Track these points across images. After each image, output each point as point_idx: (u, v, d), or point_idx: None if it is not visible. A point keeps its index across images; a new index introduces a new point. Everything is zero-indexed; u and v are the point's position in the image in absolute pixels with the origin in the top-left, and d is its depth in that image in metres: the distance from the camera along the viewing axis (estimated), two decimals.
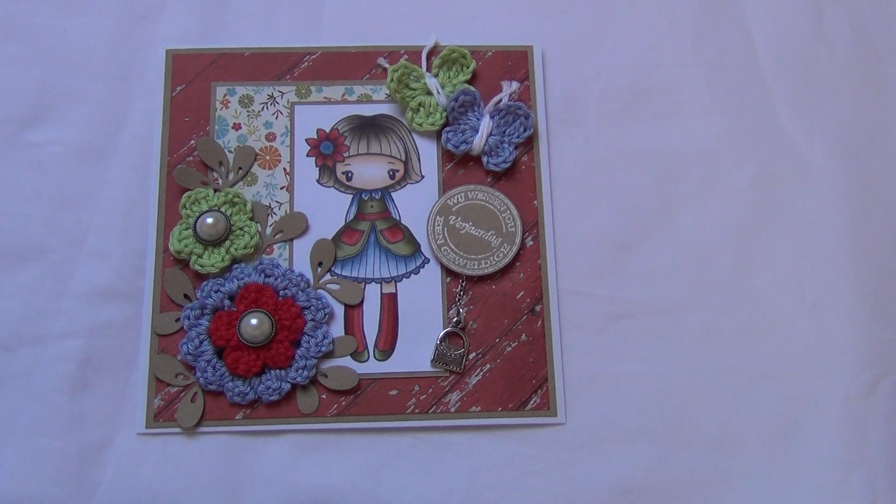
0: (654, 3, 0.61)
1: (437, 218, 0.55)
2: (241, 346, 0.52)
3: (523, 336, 0.54)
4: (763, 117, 0.58)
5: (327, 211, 0.55)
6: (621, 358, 0.54)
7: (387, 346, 0.53)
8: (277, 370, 0.52)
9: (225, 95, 0.57)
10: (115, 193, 0.55)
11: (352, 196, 0.56)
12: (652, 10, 0.61)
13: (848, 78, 0.59)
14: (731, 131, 0.58)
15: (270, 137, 0.56)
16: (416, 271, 0.55)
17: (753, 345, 0.54)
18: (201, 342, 0.52)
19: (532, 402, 0.52)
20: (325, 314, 0.53)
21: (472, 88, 0.56)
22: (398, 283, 0.54)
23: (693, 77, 0.59)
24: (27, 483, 0.50)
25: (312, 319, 0.53)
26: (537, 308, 0.54)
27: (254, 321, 0.51)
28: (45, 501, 0.50)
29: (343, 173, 0.56)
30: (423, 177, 0.56)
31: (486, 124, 0.55)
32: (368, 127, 0.57)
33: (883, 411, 0.53)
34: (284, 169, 0.56)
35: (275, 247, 0.55)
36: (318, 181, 0.56)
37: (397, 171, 0.56)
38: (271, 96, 0.57)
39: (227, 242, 0.54)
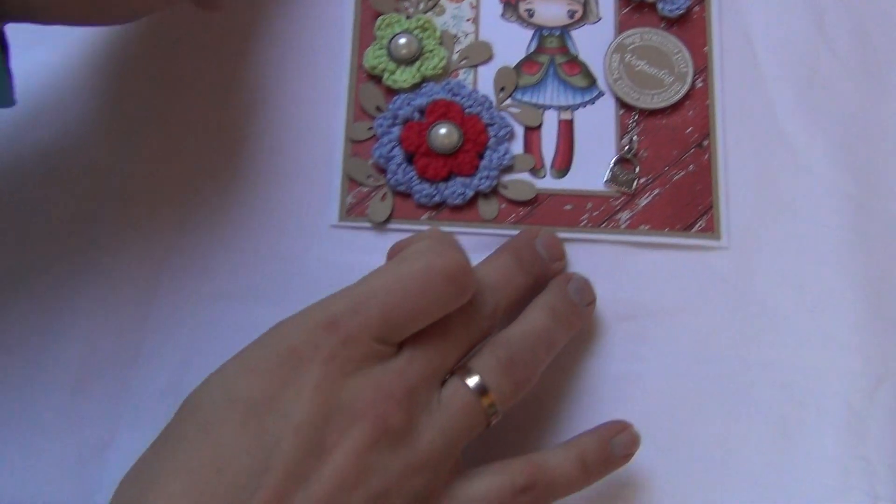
0: None
1: (614, 55, 0.58)
2: (430, 153, 0.55)
3: (691, 167, 0.57)
4: (762, 119, 0.58)
5: (509, 44, 0.59)
6: (621, 360, 0.53)
7: (563, 166, 0.57)
8: (463, 177, 0.56)
9: None
10: None
11: (533, 31, 0.59)
12: None
13: (849, 79, 0.59)
14: (730, 133, 0.58)
15: None
16: (592, 102, 0.58)
17: (753, 347, 0.53)
18: (392, 148, 0.56)
19: (698, 225, 0.56)
20: (507, 132, 0.57)
21: None
22: (574, 112, 0.58)
23: None
24: (27, 486, 0.49)
25: (495, 136, 0.56)
26: (704, 143, 0.57)
27: (443, 130, 0.55)
28: (46, 502, 0.49)
29: (525, 10, 0.60)
30: (600, 18, 0.60)
31: None
32: None
33: (883, 414, 0.52)
34: (471, 3, 0.59)
35: (460, 72, 0.58)
36: (502, 16, 0.59)
37: (576, 12, 0.60)
38: None
39: (418, 62, 0.57)
